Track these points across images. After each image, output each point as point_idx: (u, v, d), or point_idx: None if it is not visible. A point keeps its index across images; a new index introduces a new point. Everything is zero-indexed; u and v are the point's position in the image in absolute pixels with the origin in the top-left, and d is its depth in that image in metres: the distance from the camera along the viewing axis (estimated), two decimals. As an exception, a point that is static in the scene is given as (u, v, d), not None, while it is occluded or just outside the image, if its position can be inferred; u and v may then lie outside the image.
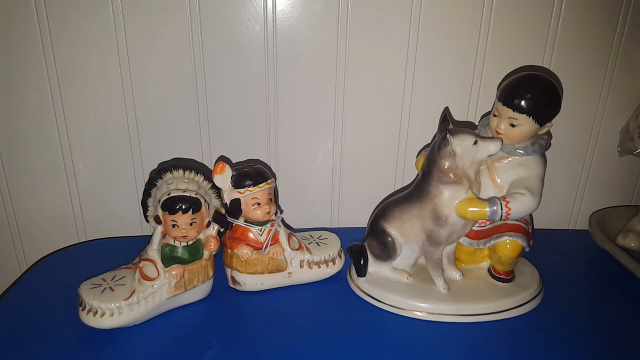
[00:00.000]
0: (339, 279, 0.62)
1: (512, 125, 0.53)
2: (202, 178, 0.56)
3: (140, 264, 0.54)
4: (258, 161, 0.74)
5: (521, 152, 0.55)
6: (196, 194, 0.53)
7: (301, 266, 0.60)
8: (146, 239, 0.55)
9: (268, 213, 0.57)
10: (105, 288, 0.52)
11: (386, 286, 0.58)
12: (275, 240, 0.59)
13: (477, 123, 0.70)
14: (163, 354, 0.50)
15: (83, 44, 0.66)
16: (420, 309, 0.56)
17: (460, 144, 0.52)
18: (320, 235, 0.65)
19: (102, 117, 0.70)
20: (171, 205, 0.52)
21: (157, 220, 0.54)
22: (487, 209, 0.52)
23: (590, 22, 0.69)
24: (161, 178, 0.54)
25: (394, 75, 0.71)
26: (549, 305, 0.58)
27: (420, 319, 0.55)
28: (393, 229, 0.57)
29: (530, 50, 0.70)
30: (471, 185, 0.53)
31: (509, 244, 0.56)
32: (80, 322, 0.51)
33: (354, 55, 0.69)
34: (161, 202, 0.52)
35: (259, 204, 0.56)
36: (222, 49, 0.68)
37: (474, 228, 0.58)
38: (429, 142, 0.70)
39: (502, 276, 0.59)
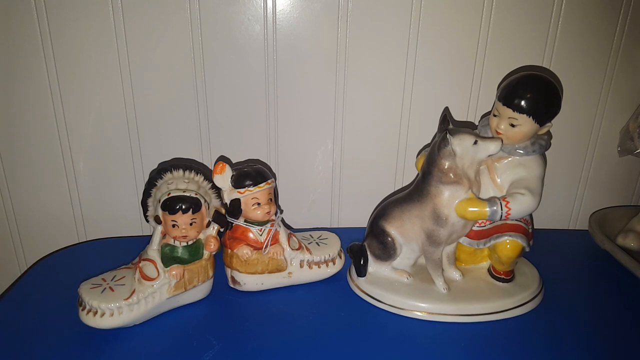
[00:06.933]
0: (339, 279, 0.62)
1: (512, 125, 0.53)
2: (202, 178, 0.56)
3: (140, 264, 0.54)
4: (258, 161, 0.74)
5: (521, 152, 0.55)
6: (196, 194, 0.53)
7: (301, 266, 0.60)
8: (146, 239, 0.55)
9: (268, 213, 0.57)
10: (105, 288, 0.52)
11: (386, 286, 0.58)
12: (275, 240, 0.59)
13: (477, 123, 0.70)
14: (163, 354, 0.50)
15: (83, 44, 0.66)
16: (420, 309, 0.56)
17: (460, 144, 0.52)
18: (320, 235, 0.65)
19: (102, 117, 0.70)
20: (171, 205, 0.52)
21: (157, 220, 0.54)
22: (487, 209, 0.52)
23: (590, 22, 0.69)
24: (161, 178, 0.54)
25: (394, 75, 0.71)
26: (549, 305, 0.58)
27: (420, 318, 0.55)
28: (393, 229, 0.57)
29: (530, 50, 0.70)
30: (471, 185, 0.53)
31: (509, 244, 0.56)
32: (80, 322, 0.51)
33: (354, 55, 0.69)
34: (161, 202, 0.52)
35: (259, 204, 0.56)
36: (222, 49, 0.68)
37: (474, 228, 0.58)
38: (429, 142, 0.70)
39: (502, 276, 0.59)
